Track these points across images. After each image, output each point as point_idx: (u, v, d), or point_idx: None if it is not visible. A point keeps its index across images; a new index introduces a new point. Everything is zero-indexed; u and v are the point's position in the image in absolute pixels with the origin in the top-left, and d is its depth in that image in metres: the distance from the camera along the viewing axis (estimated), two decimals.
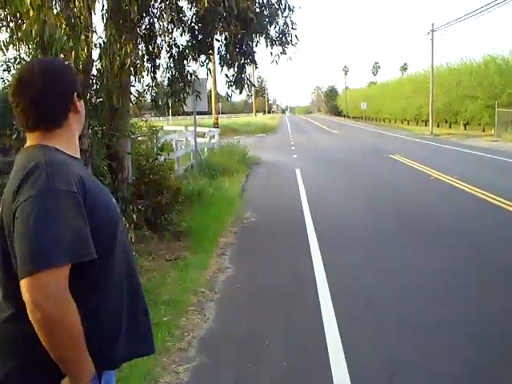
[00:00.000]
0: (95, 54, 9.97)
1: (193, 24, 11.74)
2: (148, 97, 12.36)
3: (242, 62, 12.24)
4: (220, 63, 12.18)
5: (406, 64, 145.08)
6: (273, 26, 12.42)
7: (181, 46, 11.72)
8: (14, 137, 8.76)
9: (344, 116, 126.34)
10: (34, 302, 2.16)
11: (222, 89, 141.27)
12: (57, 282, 2.18)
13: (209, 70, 12.74)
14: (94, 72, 10.29)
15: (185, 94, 12.15)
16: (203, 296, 8.07)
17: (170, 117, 54.42)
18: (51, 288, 2.17)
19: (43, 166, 2.32)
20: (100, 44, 10.14)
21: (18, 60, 9.38)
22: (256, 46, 12.26)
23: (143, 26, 10.99)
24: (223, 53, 12.07)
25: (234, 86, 12.22)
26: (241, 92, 12.57)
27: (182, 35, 11.73)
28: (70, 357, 2.28)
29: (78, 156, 2.65)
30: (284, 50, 12.63)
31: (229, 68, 12.17)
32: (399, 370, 5.77)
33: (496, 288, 8.20)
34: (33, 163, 2.35)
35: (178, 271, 9.00)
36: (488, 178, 19.56)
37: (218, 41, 12.14)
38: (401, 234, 11.65)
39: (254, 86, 17.71)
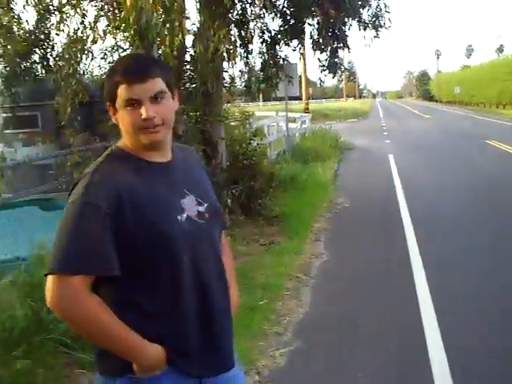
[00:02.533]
0: (188, 40, 10.07)
1: (285, 9, 11.69)
2: (240, 82, 12.40)
3: (335, 46, 12.13)
4: (312, 47, 12.09)
5: (502, 46, 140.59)
6: (366, 9, 12.25)
7: (273, 31, 11.71)
8: (110, 123, 8.92)
9: (436, 101, 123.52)
10: (46, 299, 2.31)
11: (312, 74, 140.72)
12: (63, 289, 2.26)
13: (301, 54, 12.68)
14: (188, 58, 10.40)
15: (277, 79, 12.12)
16: (298, 281, 8.06)
17: (261, 102, 54.54)
18: (58, 293, 2.27)
19: (88, 174, 2.37)
20: (194, 30, 10.24)
21: (116, 48, 9.57)
22: (348, 29, 12.12)
23: (235, 12, 11.02)
24: (316, 37, 11.97)
25: (327, 71, 12.12)
26: (334, 76, 12.47)
27: (273, 20, 11.71)
28: (110, 348, 2.38)
29: (159, 159, 2.48)
30: (377, 34, 12.43)
31: (321, 52, 12.08)
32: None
33: None
34: (87, 169, 2.44)
35: (273, 256, 9.01)
36: None
37: (310, 25, 12.06)
38: (499, 223, 11.25)
39: (348, 70, 17.53)
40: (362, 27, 12.21)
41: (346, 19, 11.90)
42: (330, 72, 12.14)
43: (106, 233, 2.28)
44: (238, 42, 11.13)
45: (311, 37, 12.02)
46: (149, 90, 2.33)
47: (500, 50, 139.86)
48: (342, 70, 13.17)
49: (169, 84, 2.43)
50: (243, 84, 12.20)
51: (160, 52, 8.94)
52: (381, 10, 12.15)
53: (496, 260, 8.71)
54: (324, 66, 12.08)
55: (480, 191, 14.51)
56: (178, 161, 2.56)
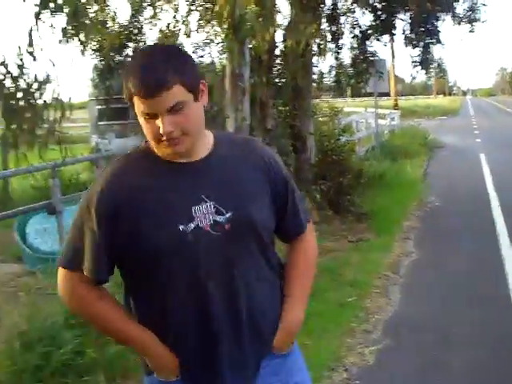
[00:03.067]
0: (278, 34, 10.06)
1: (376, 3, 11.54)
2: (329, 77, 12.31)
3: (427, 41, 11.88)
4: (404, 43, 11.90)
5: None
6: (460, 2, 11.95)
7: (363, 26, 11.58)
8: None
9: None
10: None
11: (401, 70, 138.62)
12: (64, 282, 2.30)
13: (392, 50, 12.50)
14: (277, 53, 10.39)
15: (367, 75, 11.99)
16: (387, 279, 7.92)
17: (349, 98, 54.14)
18: (62, 285, 2.30)
19: (99, 176, 2.32)
20: (284, 25, 10.21)
21: (207, 42, 9.65)
22: (441, 24, 11.87)
23: (326, 6, 10.95)
24: (408, 32, 11.77)
25: (419, 67, 11.89)
26: (426, 72, 12.27)
27: (364, 15, 11.58)
28: (125, 343, 2.44)
29: (184, 159, 2.24)
30: (472, 28, 12.11)
31: (413, 48, 11.89)
32: None
33: None
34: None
35: (361, 253, 8.89)
36: None
37: (402, 20, 11.86)
38: None
39: (440, 66, 17.17)
40: (456, 22, 11.91)
41: (439, 13, 11.63)
42: (422, 68, 11.91)
43: (97, 237, 2.18)
44: (329, 37, 11.06)
45: (403, 32, 11.85)
46: (164, 104, 2.07)
47: None
48: (434, 66, 12.89)
49: (190, 84, 2.13)
50: (333, 79, 12.11)
51: (251, 46, 8.95)
52: (476, 2, 11.83)
53: None
54: (416, 61, 11.85)
55: None
56: (215, 159, 2.27)
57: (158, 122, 2.08)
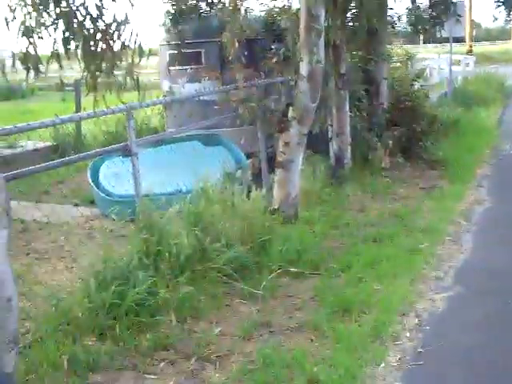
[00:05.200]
0: None
1: None
2: (405, 21, 12.03)
3: None
4: None
5: None
6: None
7: None
8: (274, 60, 8.95)
9: None
10: None
11: (477, 14, 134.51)
12: None
13: None
14: None
15: (445, 18, 11.67)
16: (460, 226, 7.84)
17: (421, 44, 52.79)
18: None
19: None
20: None
21: None
22: None
23: None
24: None
25: (502, 6, 11.50)
26: (509, 14, 11.82)
27: None
28: None
29: None
30: None
31: None
32: None
33: None
34: None
35: (433, 200, 8.82)
36: None
37: None
38: None
39: None
40: None
41: None
42: (505, 8, 11.50)
43: None
44: None
45: None
46: None
47: None
48: None
49: None
50: (408, 23, 11.83)
51: None
52: None
53: None
54: (499, 1, 11.44)
55: None
56: None
57: None
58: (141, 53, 5.86)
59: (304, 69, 7.42)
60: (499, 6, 11.44)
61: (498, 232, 7.76)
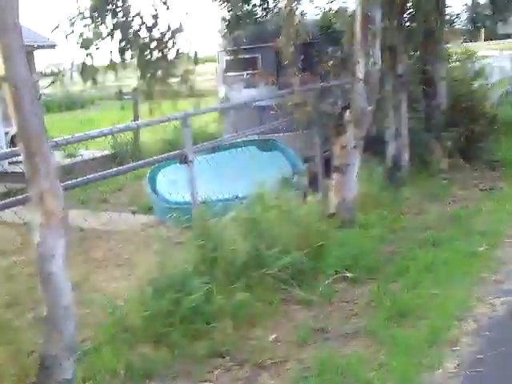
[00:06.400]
0: None
1: None
2: (464, 19, 11.82)
3: None
4: None
5: None
6: None
7: None
8: (330, 63, 8.95)
9: None
10: None
11: None
12: None
13: None
14: None
15: (507, 13, 11.44)
16: None
17: (483, 42, 51.81)
18: None
19: None
20: None
21: None
22: None
23: None
24: None
25: None
26: None
27: None
28: None
29: None
30: None
31: None
32: None
33: None
34: None
35: (493, 202, 8.65)
36: None
37: None
38: None
39: None
40: None
41: None
42: None
43: None
44: None
45: None
46: None
47: None
48: None
49: None
50: (467, 20, 11.62)
51: None
52: None
53: None
54: None
55: None
56: None
57: None
58: (195, 60, 5.93)
59: (360, 71, 7.38)
60: None
61: None
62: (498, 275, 6.23)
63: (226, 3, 10.73)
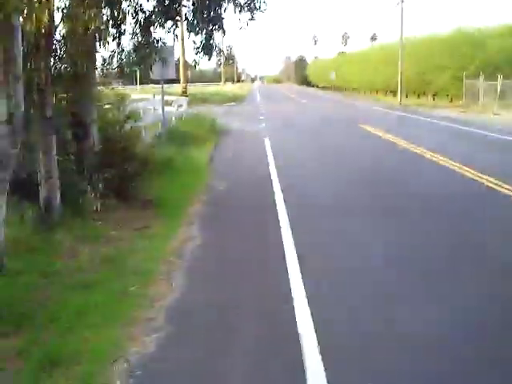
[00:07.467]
0: (58, 17, 9.63)
1: None
2: (113, 64, 12.05)
3: (210, 28, 11.97)
4: (187, 29, 11.92)
5: (375, 34, 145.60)
6: None
7: (147, 12, 11.42)
8: None
9: (313, 86, 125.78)
10: None
11: (191, 57, 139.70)
12: None
13: (176, 36, 12.55)
14: (58, 37, 10.00)
15: (151, 61, 11.89)
16: (172, 265, 7.92)
17: (138, 85, 53.73)
18: None
19: None
20: (62, 7, 9.82)
21: None
22: (224, 11, 11.99)
23: None
24: (190, 19, 11.79)
25: (201, 53, 11.97)
26: (209, 58, 12.36)
27: (148, 0, 11.45)
28: None
29: None
30: (252, 17, 12.41)
31: (196, 34, 11.91)
32: None
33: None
34: None
35: (146, 240, 8.87)
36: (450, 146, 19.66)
37: (186, 6, 11.87)
38: (365, 198, 11.71)
39: (222, 51, 17.47)
40: (237, 9, 12.14)
41: (221, 1, 11.78)
42: (204, 54, 12.00)
43: None
44: (111, 22, 10.78)
45: (186, 18, 11.82)
46: None
47: (373, 38, 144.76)
48: (218, 52, 13.06)
49: None
50: (117, 65, 11.85)
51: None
52: None
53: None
54: (199, 47, 11.92)
55: (349, 168, 14.94)
56: None
57: None
58: None
59: (1, 114, 7.08)
60: (198, 52, 11.90)
61: (208, 267, 8.00)
62: (149, 313, 6.36)
63: None
